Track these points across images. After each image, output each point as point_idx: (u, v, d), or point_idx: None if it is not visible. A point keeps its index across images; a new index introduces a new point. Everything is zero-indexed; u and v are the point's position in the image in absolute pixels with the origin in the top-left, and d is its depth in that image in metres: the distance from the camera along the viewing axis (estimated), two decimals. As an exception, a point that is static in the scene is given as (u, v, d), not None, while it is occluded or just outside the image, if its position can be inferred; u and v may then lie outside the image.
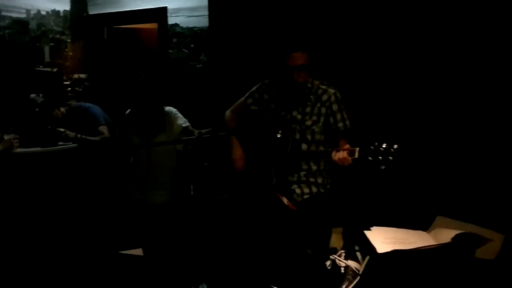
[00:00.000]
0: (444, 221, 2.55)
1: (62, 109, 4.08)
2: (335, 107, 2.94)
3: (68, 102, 4.11)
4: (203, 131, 3.47)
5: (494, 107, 3.27)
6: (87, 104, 4.19)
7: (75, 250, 3.79)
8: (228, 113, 3.34)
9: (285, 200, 2.88)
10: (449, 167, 3.33)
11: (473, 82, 3.32)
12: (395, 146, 2.33)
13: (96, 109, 4.12)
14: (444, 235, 2.30)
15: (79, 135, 3.79)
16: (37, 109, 3.90)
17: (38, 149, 3.72)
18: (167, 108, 3.60)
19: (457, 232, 2.26)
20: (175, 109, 3.62)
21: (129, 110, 3.71)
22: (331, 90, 2.95)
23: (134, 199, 3.62)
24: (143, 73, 3.49)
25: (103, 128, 3.99)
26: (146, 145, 3.59)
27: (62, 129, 3.81)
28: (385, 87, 3.62)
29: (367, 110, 3.57)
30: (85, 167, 3.97)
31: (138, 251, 3.79)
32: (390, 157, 2.33)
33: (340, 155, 2.54)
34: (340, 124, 2.95)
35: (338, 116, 2.95)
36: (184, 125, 3.54)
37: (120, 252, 3.89)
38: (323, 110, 2.95)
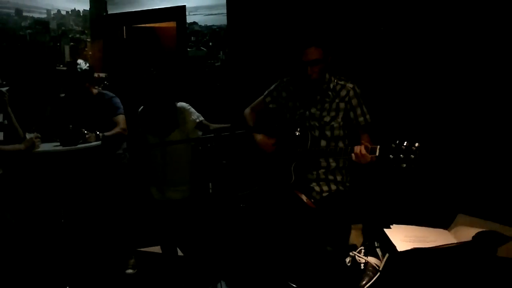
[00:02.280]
0: (465, 219, 2.53)
1: (95, 90, 4.13)
2: (354, 101, 2.94)
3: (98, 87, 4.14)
4: (218, 126, 3.48)
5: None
6: (111, 94, 4.21)
7: (93, 248, 3.83)
8: (247, 110, 3.35)
9: (304, 198, 2.88)
10: (470, 164, 3.29)
11: (496, 79, 3.28)
12: (417, 144, 2.32)
13: (118, 100, 4.14)
14: (465, 233, 2.28)
15: (100, 134, 3.82)
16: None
17: (60, 148, 3.76)
18: (180, 104, 3.60)
19: (478, 230, 2.24)
20: (188, 105, 3.62)
21: (142, 108, 3.72)
22: (350, 85, 2.95)
23: (151, 199, 3.63)
24: (154, 70, 3.50)
25: (119, 118, 3.98)
26: (163, 143, 3.59)
27: (85, 131, 3.85)
28: (406, 85, 3.59)
29: (388, 108, 3.54)
30: (105, 165, 4.00)
31: (157, 249, 3.82)
32: (411, 156, 2.32)
33: (357, 149, 2.53)
34: (361, 119, 2.94)
35: (358, 111, 2.94)
36: (197, 120, 3.54)
37: (139, 249, 3.93)
38: (342, 105, 2.94)
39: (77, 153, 3.75)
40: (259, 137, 3.13)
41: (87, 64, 3.99)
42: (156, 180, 3.63)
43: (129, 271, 3.74)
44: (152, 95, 3.49)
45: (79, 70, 3.90)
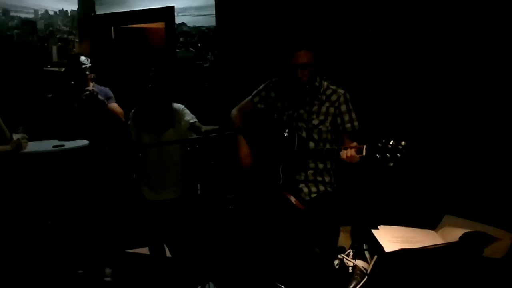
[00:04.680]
0: (452, 220, 2.55)
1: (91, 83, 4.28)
2: (343, 107, 2.94)
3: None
4: (209, 128, 3.48)
5: (504, 106, 3.25)
6: (103, 88, 4.37)
7: (82, 250, 3.81)
8: (234, 111, 3.34)
9: (292, 199, 2.88)
10: (457, 165, 3.32)
11: (483, 80, 3.31)
12: (403, 143, 2.33)
13: (109, 90, 4.37)
14: (452, 234, 2.30)
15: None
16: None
17: (47, 149, 3.73)
18: (175, 105, 3.61)
19: (465, 231, 2.26)
20: (183, 106, 3.63)
21: (134, 109, 3.72)
22: (341, 91, 2.95)
23: (142, 199, 3.62)
24: (154, 69, 3.51)
25: (113, 105, 4.27)
26: (155, 144, 3.59)
27: (90, 89, 4.04)
28: (392, 84, 3.61)
29: (374, 107, 3.56)
30: (93, 167, 3.99)
31: (144, 250, 3.81)
32: (398, 154, 2.32)
33: (348, 153, 2.53)
34: (348, 125, 2.94)
35: (346, 117, 2.94)
36: (191, 121, 3.55)
37: (127, 251, 3.92)
38: (331, 109, 2.95)
39: (64, 153, 3.73)
40: (243, 149, 3.14)
41: (89, 60, 4.13)
42: (148, 180, 3.62)
43: (107, 279, 3.75)
44: (151, 94, 3.49)
45: (83, 67, 4.04)
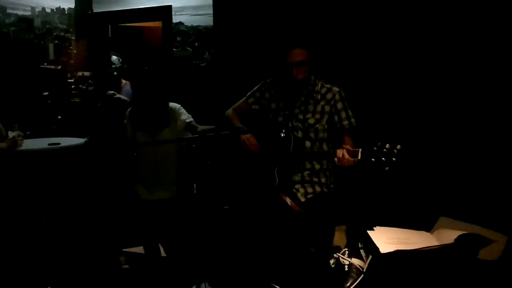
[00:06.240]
0: (447, 221, 2.55)
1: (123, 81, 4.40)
2: (339, 105, 2.94)
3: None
4: (205, 127, 3.48)
5: (498, 108, 3.26)
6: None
7: (78, 249, 3.80)
8: (230, 111, 3.33)
9: (288, 201, 2.88)
10: (452, 167, 3.33)
11: (477, 82, 3.32)
12: (398, 147, 2.32)
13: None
14: (447, 235, 2.31)
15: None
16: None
17: (43, 147, 3.72)
18: (171, 104, 3.61)
19: (460, 232, 2.27)
20: (179, 105, 3.63)
21: (130, 108, 3.71)
22: (336, 89, 2.96)
23: (137, 198, 3.62)
24: (149, 68, 3.51)
25: None
26: (151, 143, 3.59)
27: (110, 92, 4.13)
28: (388, 87, 3.61)
29: (369, 110, 3.56)
30: (89, 165, 3.98)
31: (140, 249, 3.81)
32: (393, 158, 2.32)
33: (340, 153, 2.53)
34: (345, 122, 2.95)
35: (343, 114, 2.95)
36: (187, 120, 3.55)
37: (123, 250, 3.91)
38: (327, 108, 2.95)
39: (61, 152, 3.72)
40: (245, 135, 3.10)
41: (120, 60, 4.14)
42: (144, 179, 3.61)
43: (125, 266, 3.77)
44: (147, 93, 3.48)
45: (113, 67, 4.10)
